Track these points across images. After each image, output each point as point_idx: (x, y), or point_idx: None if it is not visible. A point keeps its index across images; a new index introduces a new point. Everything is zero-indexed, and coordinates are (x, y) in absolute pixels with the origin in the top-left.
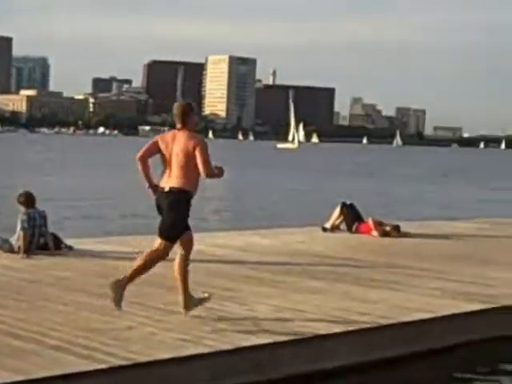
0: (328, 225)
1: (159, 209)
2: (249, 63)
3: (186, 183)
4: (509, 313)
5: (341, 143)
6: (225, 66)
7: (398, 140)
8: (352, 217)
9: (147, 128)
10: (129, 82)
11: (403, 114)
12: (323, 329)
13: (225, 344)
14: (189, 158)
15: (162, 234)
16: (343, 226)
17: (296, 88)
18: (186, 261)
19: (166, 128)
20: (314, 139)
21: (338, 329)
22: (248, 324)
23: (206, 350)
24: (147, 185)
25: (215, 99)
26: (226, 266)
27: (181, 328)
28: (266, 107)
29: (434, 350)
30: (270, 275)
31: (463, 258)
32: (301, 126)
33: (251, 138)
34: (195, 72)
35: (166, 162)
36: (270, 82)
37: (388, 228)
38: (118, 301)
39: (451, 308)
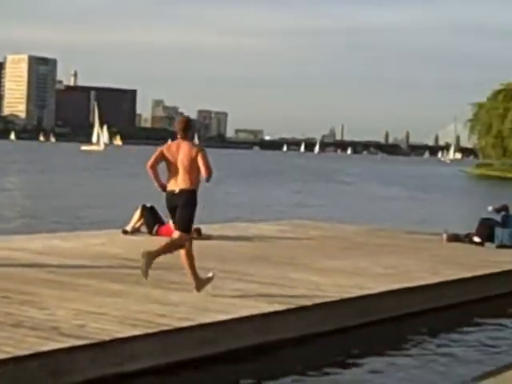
0: (129, 227)
1: (171, 208)
2: (49, 63)
3: (193, 184)
4: (307, 314)
5: (145, 145)
6: (24, 66)
7: (195, 141)
8: (153, 219)
9: None
10: None
11: (205, 116)
12: (123, 332)
13: (23, 350)
14: (192, 163)
15: (181, 228)
16: (144, 229)
17: (97, 89)
18: (190, 249)
19: None
20: (118, 141)
21: (137, 331)
22: (47, 328)
23: (2, 356)
24: (158, 187)
25: (15, 99)
26: (23, 270)
27: None
28: (66, 108)
29: (234, 351)
30: (70, 278)
31: (265, 260)
32: (105, 128)
33: (53, 139)
34: None
35: (171, 167)
36: (72, 83)
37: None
38: (145, 269)
39: (252, 309)
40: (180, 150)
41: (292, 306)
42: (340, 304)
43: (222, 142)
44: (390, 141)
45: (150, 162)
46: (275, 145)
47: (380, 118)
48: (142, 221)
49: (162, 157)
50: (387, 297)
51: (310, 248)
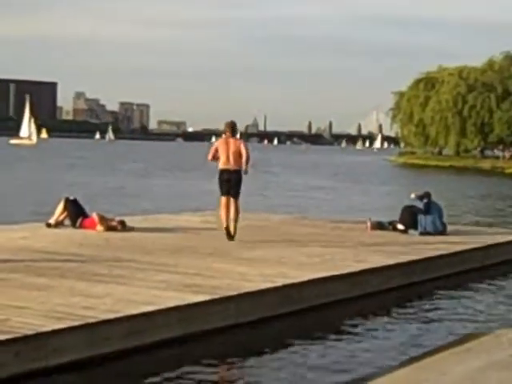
0: (52, 220)
1: (226, 181)
2: None
3: (240, 166)
4: (232, 304)
5: (73, 138)
6: None
7: (110, 134)
8: (76, 212)
9: None
10: None
11: (127, 108)
12: (48, 325)
13: None
14: (239, 151)
15: (236, 195)
16: (68, 222)
17: (17, 82)
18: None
19: None
20: (44, 134)
21: (62, 325)
22: None
23: None
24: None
25: None
26: None
27: None
28: None
29: (160, 342)
30: None
31: (189, 251)
32: (32, 121)
33: None
34: None
35: (224, 152)
36: None
37: (113, 223)
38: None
39: (176, 300)
40: (231, 143)
41: (217, 296)
42: (265, 293)
43: (144, 133)
44: (313, 131)
45: (209, 156)
46: (199, 136)
47: (303, 109)
48: (65, 213)
49: (216, 151)
50: (312, 285)
51: (235, 238)
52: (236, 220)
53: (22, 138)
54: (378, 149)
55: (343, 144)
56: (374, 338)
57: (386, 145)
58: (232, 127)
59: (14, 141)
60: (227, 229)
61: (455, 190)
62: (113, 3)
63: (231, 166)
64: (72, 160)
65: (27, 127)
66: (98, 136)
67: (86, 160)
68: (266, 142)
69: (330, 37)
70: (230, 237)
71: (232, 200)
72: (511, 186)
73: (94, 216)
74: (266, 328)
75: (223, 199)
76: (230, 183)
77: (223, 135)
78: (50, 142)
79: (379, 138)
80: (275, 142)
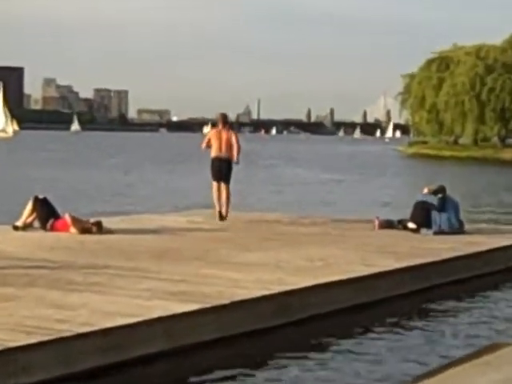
0: (20, 222)
1: (218, 167)
2: None
3: (231, 155)
4: (224, 313)
5: (42, 130)
6: None
7: (76, 125)
8: (46, 212)
9: None
10: None
11: (103, 95)
12: (16, 340)
13: None
14: (231, 142)
15: (227, 181)
16: (37, 224)
17: None
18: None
19: None
20: (14, 126)
21: (32, 340)
22: None
23: None
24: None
25: None
26: None
27: None
28: None
29: (142, 357)
30: None
31: (174, 255)
32: (6, 111)
33: None
34: None
35: (217, 143)
36: None
37: (88, 224)
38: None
39: (161, 310)
40: (223, 133)
41: (207, 306)
42: (260, 302)
43: (123, 124)
44: (313, 119)
45: (203, 144)
46: (184, 126)
47: (301, 94)
48: (34, 215)
49: (210, 140)
50: (313, 292)
51: (226, 240)
52: (227, 203)
53: None
54: (389, 138)
55: (341, 133)
56: (384, 350)
57: (398, 134)
58: (224, 119)
59: None
60: (220, 212)
61: (473, 184)
62: None
63: (223, 154)
64: (46, 154)
65: (2, 118)
66: (76, 127)
67: (61, 153)
68: (263, 132)
69: (331, 13)
70: (222, 218)
71: (223, 185)
72: None
73: (67, 217)
74: (262, 340)
75: (214, 184)
76: (221, 170)
77: (216, 126)
78: (23, 135)
79: (391, 125)
80: (273, 131)
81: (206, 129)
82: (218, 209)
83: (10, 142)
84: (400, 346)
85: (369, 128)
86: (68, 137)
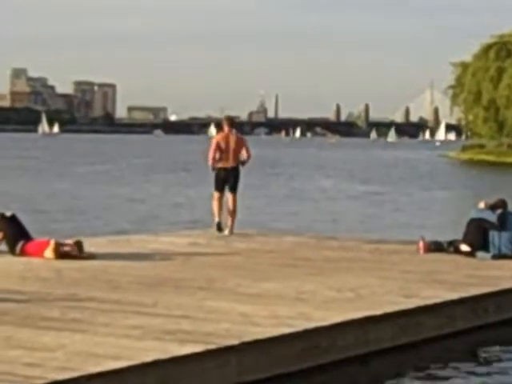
0: None
1: (223, 179)
2: None
3: (238, 162)
4: (233, 356)
5: (16, 133)
6: None
7: (44, 126)
8: (15, 233)
9: None
10: None
11: (85, 90)
12: None
13: None
14: (240, 148)
15: (234, 190)
16: (3, 246)
17: None
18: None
19: None
20: None
21: None
22: None
23: None
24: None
25: None
26: None
27: None
28: None
29: None
30: None
31: (172, 285)
32: None
33: None
34: None
35: (223, 150)
36: None
37: (67, 248)
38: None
39: (156, 352)
40: (230, 139)
41: (212, 347)
42: (278, 342)
43: (110, 124)
44: (343, 117)
45: (210, 155)
46: (184, 127)
47: (328, 87)
48: (0, 235)
49: (218, 145)
50: (344, 330)
51: (235, 267)
52: (234, 216)
53: None
54: (441, 141)
55: (373, 134)
56: None
57: (452, 136)
58: (231, 122)
59: None
60: (219, 225)
61: None
62: None
63: (230, 163)
64: (15, 161)
65: None
66: (45, 128)
67: (34, 160)
68: (283, 133)
69: None
70: (220, 229)
71: (230, 195)
72: None
73: (42, 239)
74: None
75: (216, 194)
76: (228, 180)
77: (222, 130)
78: None
79: (442, 126)
80: (297, 133)
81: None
82: (217, 219)
83: None
84: None
85: (410, 129)
86: (38, 140)
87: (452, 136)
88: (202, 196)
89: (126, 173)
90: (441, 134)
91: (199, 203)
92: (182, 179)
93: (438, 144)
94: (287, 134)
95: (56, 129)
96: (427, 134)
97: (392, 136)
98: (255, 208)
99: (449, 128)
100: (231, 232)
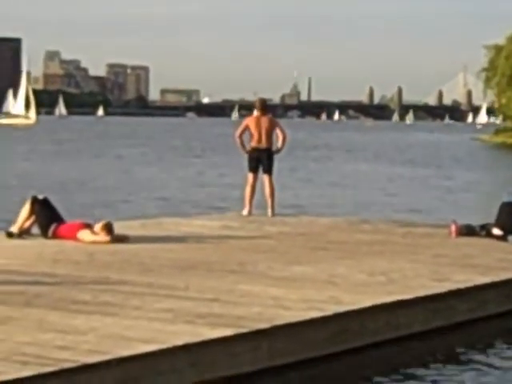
0: (15, 228)
1: (257, 159)
2: None
3: (271, 145)
4: (264, 340)
5: (48, 115)
6: None
7: (61, 108)
8: (47, 216)
9: None
10: None
11: (118, 72)
12: (9, 372)
13: None
14: (272, 130)
15: (269, 172)
16: (36, 230)
17: None
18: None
19: None
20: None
21: (29, 371)
22: None
23: None
24: (242, 149)
25: None
26: None
27: None
28: None
29: None
30: None
31: (204, 268)
32: (30, 95)
33: None
34: None
35: (255, 130)
36: None
37: (99, 230)
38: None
39: (187, 336)
40: (262, 121)
41: (243, 330)
42: (308, 326)
43: (143, 107)
44: (376, 100)
45: (237, 132)
46: (217, 109)
47: (361, 70)
48: (32, 219)
49: (246, 127)
50: (375, 314)
51: (267, 250)
52: (273, 198)
53: (16, 117)
54: (482, 124)
55: (409, 119)
56: None
57: (495, 119)
58: (262, 106)
59: (4, 120)
60: (250, 213)
61: None
62: None
63: (262, 144)
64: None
65: (23, 101)
66: (62, 110)
67: (73, 143)
68: (324, 116)
69: None
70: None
71: (266, 177)
72: None
73: (75, 221)
74: (311, 373)
75: (250, 176)
76: (261, 160)
77: (254, 113)
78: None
79: (483, 109)
80: (336, 116)
81: (234, 115)
82: (247, 208)
83: (31, 129)
84: (486, 381)
85: (440, 111)
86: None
87: (495, 119)
88: (235, 180)
89: (165, 155)
90: (483, 117)
91: (232, 187)
92: (215, 163)
93: (478, 127)
94: (319, 116)
95: (101, 112)
96: (470, 117)
97: (410, 118)
98: (288, 188)
99: (478, 110)
100: (273, 214)
